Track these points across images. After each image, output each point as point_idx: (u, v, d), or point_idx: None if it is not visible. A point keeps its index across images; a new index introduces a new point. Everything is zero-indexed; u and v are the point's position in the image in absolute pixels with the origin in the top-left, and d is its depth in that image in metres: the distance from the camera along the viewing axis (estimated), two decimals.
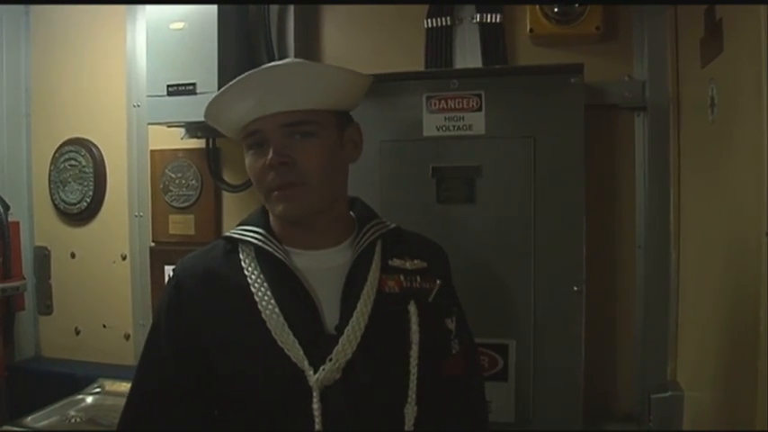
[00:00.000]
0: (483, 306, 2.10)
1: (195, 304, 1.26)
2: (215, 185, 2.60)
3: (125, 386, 2.53)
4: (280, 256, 1.26)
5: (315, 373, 1.19)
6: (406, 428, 1.25)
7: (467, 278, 2.08)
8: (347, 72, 1.28)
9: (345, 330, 1.22)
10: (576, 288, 2.05)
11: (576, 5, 2.15)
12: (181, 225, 2.64)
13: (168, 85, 2.27)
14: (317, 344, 1.21)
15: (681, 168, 2.01)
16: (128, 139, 2.72)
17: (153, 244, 2.69)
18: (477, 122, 2.11)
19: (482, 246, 2.11)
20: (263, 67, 1.26)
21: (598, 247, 2.16)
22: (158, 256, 2.66)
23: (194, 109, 2.24)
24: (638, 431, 2.12)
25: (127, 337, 2.74)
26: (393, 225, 1.38)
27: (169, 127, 2.46)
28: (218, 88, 2.20)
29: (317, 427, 1.17)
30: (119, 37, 2.72)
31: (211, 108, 1.29)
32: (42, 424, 2.33)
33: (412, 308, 1.29)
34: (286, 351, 1.20)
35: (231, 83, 1.24)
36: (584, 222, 2.06)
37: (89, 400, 2.53)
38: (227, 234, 1.33)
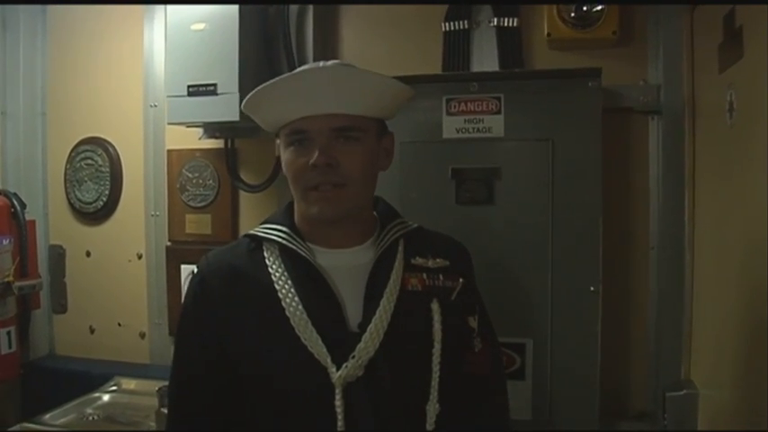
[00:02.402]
0: (500, 305, 2.11)
1: (220, 300, 1.28)
2: (232, 185, 2.62)
3: (141, 384, 2.58)
4: (304, 255, 1.27)
5: (338, 370, 1.20)
6: (428, 427, 1.26)
7: (485, 277, 2.10)
8: (395, 82, 1.29)
9: (368, 328, 1.23)
10: (592, 288, 2.09)
11: (594, 9, 2.18)
12: (197, 224, 2.66)
13: (189, 86, 2.29)
14: (341, 342, 1.22)
15: (696, 171, 2.04)
16: (144, 138, 2.74)
17: (169, 243, 2.71)
18: (496, 125, 2.15)
19: (500, 246, 2.15)
20: (314, 65, 1.29)
21: (612, 248, 2.18)
22: (174, 255, 2.68)
23: (215, 109, 2.28)
24: (656, 431, 2.15)
25: (142, 335, 2.76)
26: (415, 224, 1.40)
27: (188, 127, 2.48)
28: (239, 89, 2.26)
29: (340, 423, 1.19)
30: (136, 37, 2.74)
31: (257, 98, 1.27)
32: (60, 422, 2.33)
33: (435, 306, 1.30)
34: (309, 348, 1.21)
35: (282, 77, 1.26)
36: (600, 224, 2.10)
37: (106, 398, 2.54)
38: (252, 232, 1.35)
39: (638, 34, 2.26)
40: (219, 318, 1.28)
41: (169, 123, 2.40)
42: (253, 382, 1.26)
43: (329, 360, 1.21)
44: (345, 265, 1.30)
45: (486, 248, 2.14)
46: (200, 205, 2.67)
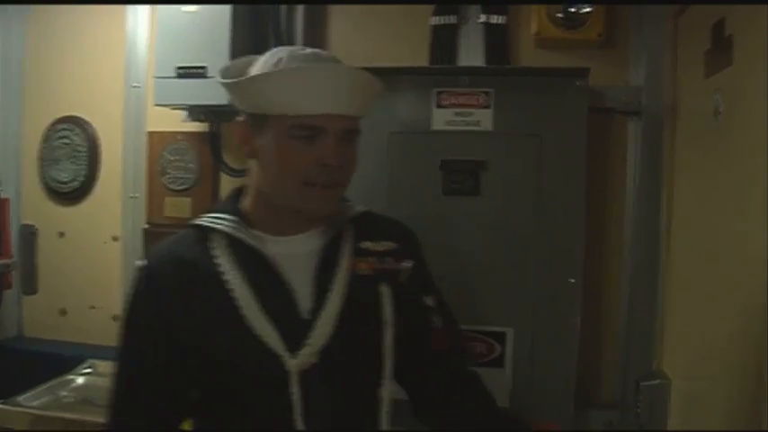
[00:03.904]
0: (483, 294, 2.20)
1: (168, 293, 1.25)
2: (214, 169, 2.62)
3: None
4: (253, 243, 1.26)
5: (292, 358, 1.20)
6: (383, 410, 1.29)
7: (469, 266, 2.20)
8: (381, 85, 1.28)
9: (321, 314, 1.24)
10: (572, 280, 2.17)
11: (582, 11, 2.25)
12: (177, 208, 2.65)
13: (178, 67, 2.28)
14: (294, 329, 1.22)
15: (675, 170, 2.12)
16: (125, 119, 2.71)
17: (147, 226, 2.69)
18: (485, 119, 2.20)
19: (485, 237, 2.21)
20: (328, 62, 1.26)
21: (589, 242, 2.25)
22: (152, 238, 2.66)
23: (204, 92, 2.27)
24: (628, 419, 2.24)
25: (115, 318, 2.71)
26: (362, 208, 1.38)
27: (173, 109, 2.47)
28: None
29: (297, 411, 1.20)
30: (118, 16, 2.69)
31: (265, 82, 1.21)
32: (35, 404, 2.29)
33: (384, 289, 1.31)
34: (263, 338, 1.21)
35: (299, 66, 1.21)
36: (583, 218, 2.18)
37: (80, 380, 2.50)
38: (197, 222, 1.31)
39: (622, 37, 2.34)
40: (169, 311, 1.25)
41: (156, 105, 2.37)
42: (206, 374, 1.25)
43: (283, 348, 1.21)
44: (294, 253, 1.29)
45: (471, 238, 2.22)
46: (180, 188, 2.65)
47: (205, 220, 1.30)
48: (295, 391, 1.20)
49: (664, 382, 2.09)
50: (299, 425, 1.20)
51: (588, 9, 2.25)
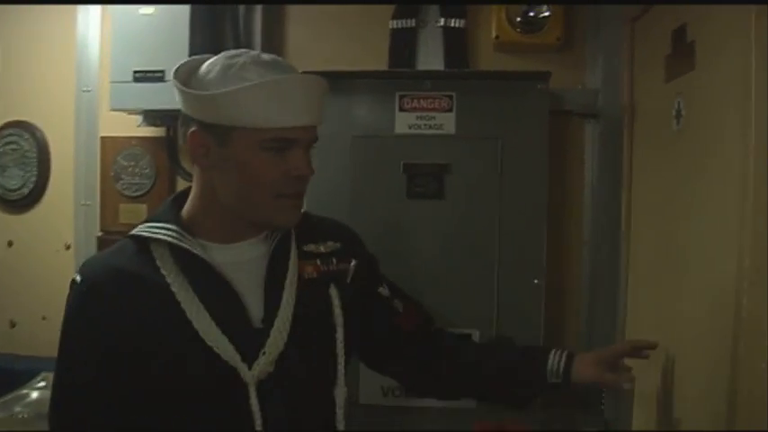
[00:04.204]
0: (448, 297, 2.22)
1: (109, 308, 1.20)
2: (170, 175, 2.56)
3: None
4: (197, 253, 1.22)
5: (249, 368, 1.19)
6: (338, 410, 1.30)
7: (433, 269, 2.21)
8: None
9: (275, 322, 1.23)
10: (536, 281, 2.20)
11: (541, 15, 2.28)
12: (132, 214, 2.57)
13: (135, 71, 2.23)
14: (247, 339, 1.21)
15: (634, 171, 2.17)
16: (76, 124, 2.62)
17: (101, 233, 2.61)
18: (447, 122, 2.22)
19: (449, 239, 2.23)
20: (291, 71, 1.24)
21: (550, 244, 2.27)
22: (106, 245, 2.52)
23: (162, 96, 2.21)
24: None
25: None
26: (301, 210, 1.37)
27: (129, 114, 2.41)
28: None
29: (257, 421, 1.19)
30: (69, 18, 2.60)
31: (237, 95, 1.16)
32: None
33: (333, 291, 1.32)
34: (215, 349, 1.18)
35: (273, 79, 1.17)
36: (545, 220, 2.21)
37: (35, 395, 2.41)
38: (135, 233, 1.27)
39: (579, 41, 2.38)
40: (111, 327, 1.20)
41: (112, 110, 2.31)
42: (157, 390, 1.20)
43: (239, 359, 1.19)
44: (240, 260, 1.27)
45: (435, 242, 2.23)
46: (135, 194, 2.59)
47: (144, 231, 1.26)
48: (254, 402, 1.19)
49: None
50: None
51: (547, 13, 2.28)
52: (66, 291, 2.63)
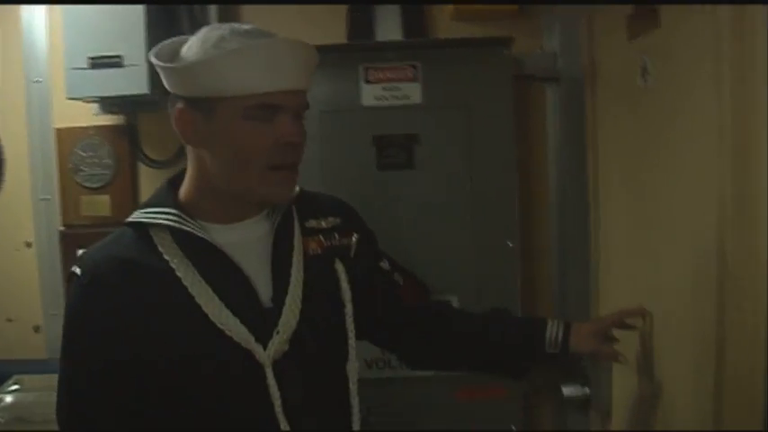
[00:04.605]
0: (424, 265, 2.23)
1: (117, 299, 1.17)
2: (132, 163, 2.51)
3: (47, 380, 2.39)
4: (201, 235, 1.20)
5: (263, 349, 1.18)
6: (351, 386, 1.31)
7: (408, 239, 2.22)
8: (317, 54, 1.25)
9: (286, 300, 1.22)
10: (510, 244, 2.24)
11: None
12: (95, 206, 2.51)
13: (91, 58, 2.16)
14: (259, 319, 1.20)
15: (599, 131, 2.22)
16: (28, 117, 2.52)
17: (62, 228, 2.54)
18: (413, 92, 2.23)
19: (422, 208, 2.25)
20: (279, 36, 1.21)
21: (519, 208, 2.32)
22: (70, 240, 2.51)
23: (121, 82, 2.17)
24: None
25: (36, 329, 2.56)
26: (297, 187, 1.34)
27: (87, 102, 2.34)
28: (147, 60, 2.14)
29: (276, 401, 1.18)
30: (11, 8, 2.50)
31: (217, 63, 1.14)
32: None
33: (339, 266, 1.32)
34: (228, 332, 1.17)
35: (252, 43, 1.15)
36: (516, 183, 2.25)
37: (9, 399, 2.34)
38: (134, 219, 1.24)
39: (535, 6, 2.40)
40: (119, 319, 1.17)
41: (69, 98, 2.24)
42: (171, 378, 1.18)
43: (253, 340, 1.17)
44: (243, 240, 1.25)
45: (408, 211, 2.25)
46: (97, 186, 2.52)
47: (142, 217, 1.23)
48: (272, 382, 1.17)
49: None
50: (279, 414, 1.18)
51: None
52: (31, 290, 2.59)
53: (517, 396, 2.27)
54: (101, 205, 2.52)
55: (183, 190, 1.27)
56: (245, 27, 1.21)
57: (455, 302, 2.21)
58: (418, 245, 2.22)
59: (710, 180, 1.47)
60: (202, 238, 1.20)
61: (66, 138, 2.52)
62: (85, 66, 2.16)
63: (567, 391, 2.28)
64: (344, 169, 2.23)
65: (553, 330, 1.46)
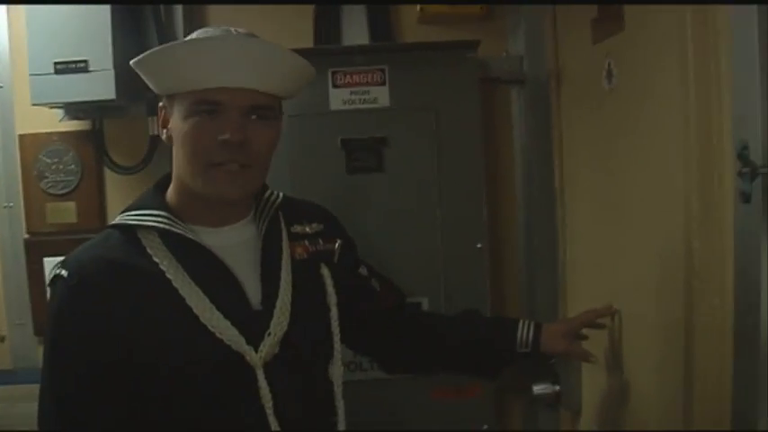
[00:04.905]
0: (395, 268, 2.20)
1: (106, 301, 1.16)
2: (98, 169, 2.47)
3: (12, 390, 2.36)
4: (191, 237, 1.21)
5: (255, 351, 1.19)
6: (336, 388, 1.34)
7: (378, 242, 2.23)
8: (306, 63, 1.28)
9: (277, 303, 1.23)
10: (479, 245, 2.26)
11: None
12: (60, 213, 2.48)
13: (56, 63, 2.13)
14: (249, 321, 1.20)
15: (564, 133, 2.26)
16: None
17: (27, 236, 2.50)
18: (381, 96, 2.23)
19: (391, 211, 2.25)
20: (235, 32, 1.21)
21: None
22: (35, 248, 2.48)
23: (87, 88, 2.15)
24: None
25: (2, 339, 2.52)
26: (281, 193, 1.38)
27: (51, 108, 2.31)
28: (114, 65, 2.14)
29: (267, 403, 1.19)
30: None
31: (161, 56, 1.18)
32: None
33: (325, 271, 1.35)
34: (219, 335, 1.17)
35: (200, 38, 1.19)
36: (483, 184, 2.27)
37: None
38: (121, 222, 1.24)
39: (500, 10, 2.44)
40: (107, 321, 1.16)
41: (33, 104, 2.20)
42: (162, 381, 1.17)
43: (244, 342, 1.18)
44: (232, 243, 1.26)
45: (377, 214, 2.25)
46: (62, 192, 2.48)
47: (130, 219, 1.23)
48: (263, 384, 1.18)
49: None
50: (270, 416, 1.19)
51: None
52: None
53: (489, 395, 2.28)
54: (66, 212, 2.48)
55: (169, 193, 1.28)
56: (222, 28, 1.23)
57: (425, 304, 2.24)
58: (388, 247, 2.22)
59: (676, 180, 1.51)
60: (192, 240, 1.20)
61: (30, 144, 2.48)
62: (50, 71, 2.13)
63: (538, 389, 2.31)
64: (313, 173, 2.22)
65: (524, 331, 1.50)
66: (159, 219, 1.21)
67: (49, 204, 2.49)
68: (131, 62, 1.22)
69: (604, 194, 1.95)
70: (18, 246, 2.50)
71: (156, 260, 1.19)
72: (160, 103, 1.27)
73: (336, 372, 1.34)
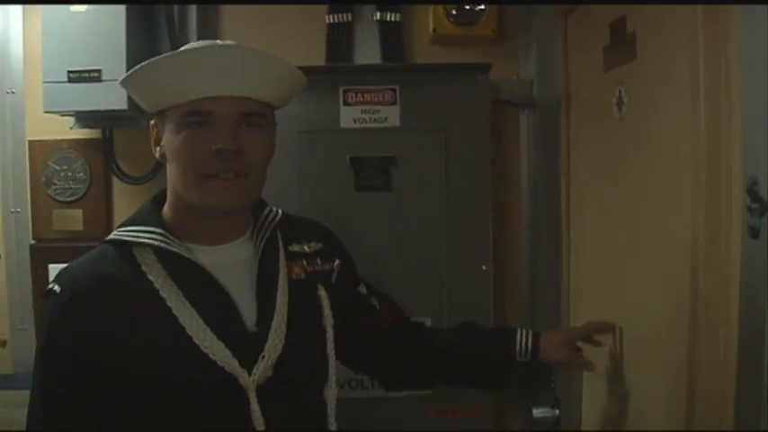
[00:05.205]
0: (399, 287, 2.22)
1: (98, 318, 1.15)
2: (106, 178, 2.48)
3: (13, 396, 2.35)
4: (187, 255, 1.19)
5: (248, 374, 1.17)
6: (329, 411, 1.32)
7: (383, 261, 2.24)
8: (297, 71, 1.26)
9: (272, 325, 1.21)
10: (484, 267, 2.27)
11: (477, 9, 2.34)
12: (67, 221, 2.48)
13: (69, 71, 2.14)
14: (242, 343, 1.18)
15: (571, 157, 2.27)
16: (0, 128, 2.49)
17: (33, 242, 2.50)
18: (392, 115, 2.25)
19: (398, 231, 2.27)
20: (213, 42, 1.21)
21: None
22: (40, 254, 2.48)
23: (99, 97, 2.15)
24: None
25: (3, 344, 2.52)
26: (280, 210, 1.36)
27: (63, 116, 2.32)
28: None
29: (259, 427, 1.17)
30: None
31: (150, 71, 1.16)
32: None
33: (322, 292, 1.32)
34: (211, 356, 1.15)
35: (184, 50, 1.18)
36: (489, 207, 2.29)
37: None
38: (117, 237, 1.22)
39: (513, 33, 2.46)
40: (99, 338, 1.14)
41: (45, 112, 2.21)
42: (153, 401, 1.16)
43: (237, 365, 1.16)
44: (228, 262, 1.24)
45: (384, 233, 2.27)
46: (69, 200, 2.48)
47: (126, 235, 1.21)
48: (255, 408, 1.16)
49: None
50: None
51: (482, 6, 2.34)
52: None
53: (489, 415, 2.29)
54: (73, 219, 2.49)
55: (165, 209, 1.26)
56: (207, 41, 1.23)
57: (428, 324, 2.23)
58: (393, 266, 2.24)
59: (684, 211, 1.52)
60: (188, 258, 1.18)
61: (40, 150, 2.49)
62: (64, 79, 2.14)
63: (538, 412, 2.31)
64: (322, 190, 2.24)
65: (522, 338, 1.50)
66: (154, 236, 1.19)
67: (55, 211, 2.49)
68: (119, 81, 1.21)
69: (610, 220, 1.96)
70: (24, 251, 2.50)
71: (151, 278, 1.17)
72: (151, 122, 1.25)
73: (331, 394, 1.32)
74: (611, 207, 1.96)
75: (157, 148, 1.24)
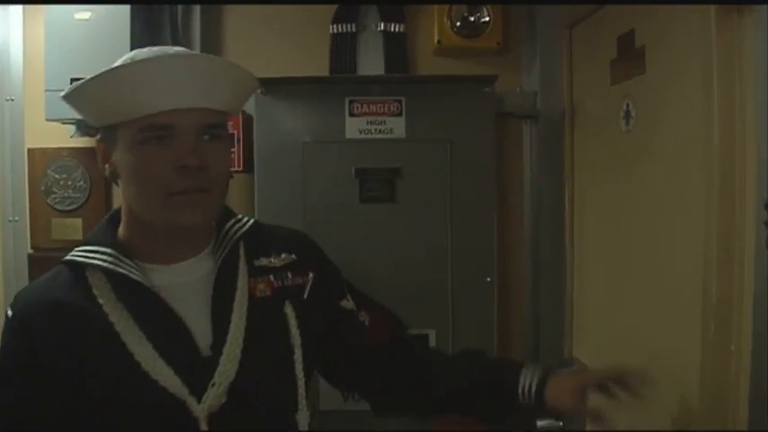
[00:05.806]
0: (403, 298, 2.21)
1: (45, 345, 1.09)
2: (106, 187, 2.46)
3: None
4: (136, 277, 1.11)
5: (198, 402, 1.09)
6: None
7: (387, 272, 2.23)
8: (252, 76, 1.17)
9: (224, 349, 1.13)
10: (488, 279, 2.27)
11: (481, 20, 2.35)
12: (66, 230, 2.46)
13: (72, 79, 2.11)
14: (194, 368, 1.11)
15: (576, 169, 2.27)
16: None
17: (31, 251, 2.47)
18: (397, 126, 2.25)
19: (402, 242, 2.26)
20: (175, 50, 1.12)
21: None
22: (39, 263, 2.44)
23: None
24: None
25: None
26: (251, 220, 1.27)
27: (64, 124, 2.30)
28: None
29: None
30: None
31: (97, 84, 1.07)
32: None
33: (289, 310, 1.21)
34: (161, 383, 1.08)
35: (137, 61, 1.07)
36: (494, 219, 2.28)
37: None
38: (69, 258, 1.16)
39: (517, 45, 2.47)
40: (47, 364, 1.09)
41: (47, 120, 2.19)
42: (103, 428, 1.10)
43: (187, 392, 1.09)
44: (184, 281, 1.16)
45: (388, 244, 2.26)
46: (68, 209, 2.46)
47: (78, 255, 1.15)
48: None
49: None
50: None
51: (487, 18, 2.35)
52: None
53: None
54: (72, 229, 2.46)
55: (121, 228, 1.19)
56: (154, 48, 1.13)
57: (432, 336, 2.23)
58: (396, 277, 2.23)
59: (696, 225, 1.52)
60: (135, 279, 1.11)
61: (39, 159, 2.47)
62: (66, 87, 2.12)
63: (542, 424, 2.29)
64: (326, 201, 2.23)
65: (527, 379, 1.29)
66: (105, 257, 1.13)
67: (54, 220, 2.47)
68: (62, 95, 1.12)
69: (615, 233, 1.97)
70: (22, 261, 2.48)
71: (101, 301, 1.11)
72: (97, 137, 1.15)
73: (302, 418, 1.20)
74: (615, 219, 1.97)
75: (106, 166, 1.14)
